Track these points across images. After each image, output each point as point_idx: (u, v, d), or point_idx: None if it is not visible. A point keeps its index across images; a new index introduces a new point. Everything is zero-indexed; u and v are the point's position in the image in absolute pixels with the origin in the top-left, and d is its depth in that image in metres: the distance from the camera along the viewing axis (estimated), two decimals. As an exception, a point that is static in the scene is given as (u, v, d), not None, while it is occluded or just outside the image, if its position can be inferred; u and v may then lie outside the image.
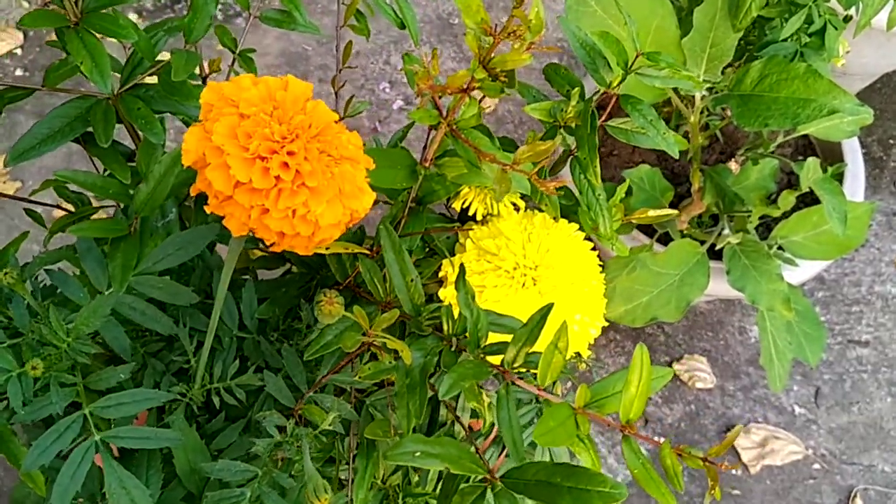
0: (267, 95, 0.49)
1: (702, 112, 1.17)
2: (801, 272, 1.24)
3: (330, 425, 0.56)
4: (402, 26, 0.86)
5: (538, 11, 0.52)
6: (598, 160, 0.66)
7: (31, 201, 0.70)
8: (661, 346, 1.61)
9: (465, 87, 0.54)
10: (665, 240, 1.24)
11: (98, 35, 0.57)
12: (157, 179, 0.56)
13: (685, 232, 1.28)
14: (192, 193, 0.48)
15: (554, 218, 0.67)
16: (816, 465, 1.52)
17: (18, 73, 1.80)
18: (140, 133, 0.61)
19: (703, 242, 1.19)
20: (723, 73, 1.06)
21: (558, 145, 0.72)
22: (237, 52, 0.75)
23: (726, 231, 1.14)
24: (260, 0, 0.76)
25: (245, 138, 0.47)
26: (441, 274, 0.65)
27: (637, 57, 0.68)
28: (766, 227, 1.29)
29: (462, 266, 0.54)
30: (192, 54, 0.59)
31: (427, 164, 0.62)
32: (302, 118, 0.49)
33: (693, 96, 1.11)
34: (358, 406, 0.65)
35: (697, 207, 1.26)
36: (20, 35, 1.83)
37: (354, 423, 0.65)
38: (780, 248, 1.20)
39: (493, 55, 0.51)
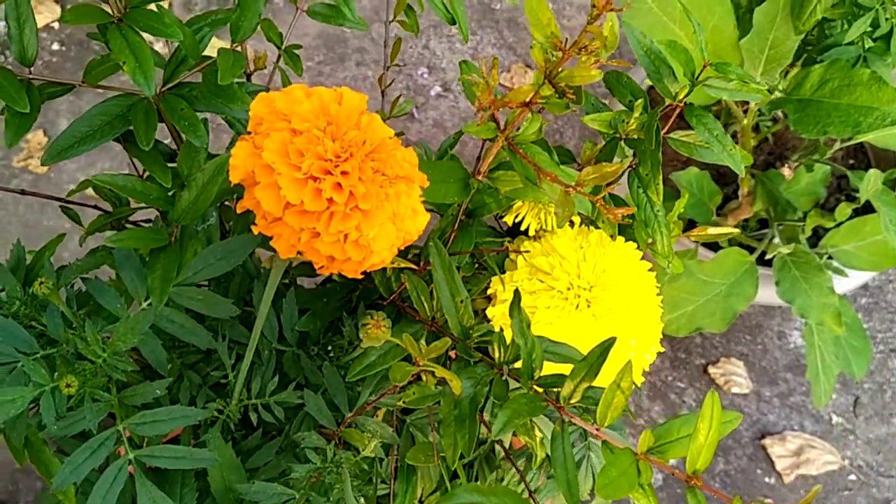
0: (320, 109, 0.46)
1: (755, 114, 1.13)
2: (848, 281, 1.20)
3: (372, 452, 0.53)
4: (453, 22, 0.83)
5: (613, 26, 0.48)
6: (660, 176, 0.62)
7: (65, 200, 0.68)
8: (698, 349, 1.57)
9: (527, 101, 0.50)
10: (712, 244, 1.20)
11: (142, 33, 0.54)
12: (200, 188, 0.54)
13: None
14: (239, 211, 0.46)
15: (611, 235, 0.64)
16: (852, 477, 1.48)
17: (55, 47, 1.78)
18: (182, 134, 0.58)
19: (751, 250, 1.15)
20: (783, 76, 1.01)
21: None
22: (283, 47, 0.72)
23: (776, 240, 1.10)
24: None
25: (297, 156, 0.44)
26: (490, 291, 0.62)
27: (704, 67, 0.64)
28: (814, 234, 1.25)
29: (517, 292, 0.51)
30: (239, 55, 0.56)
31: (480, 177, 0.59)
32: (356, 134, 0.46)
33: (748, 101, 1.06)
34: (398, 425, 0.62)
35: (745, 212, 1.22)
36: (57, 8, 1.82)
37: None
38: (829, 257, 1.16)
39: (560, 70, 0.48)
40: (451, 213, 0.60)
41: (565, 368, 0.54)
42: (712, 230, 0.70)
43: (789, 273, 1.06)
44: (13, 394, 0.50)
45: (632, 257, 0.65)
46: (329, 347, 0.61)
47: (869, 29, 1.01)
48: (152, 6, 0.55)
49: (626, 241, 0.68)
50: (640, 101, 0.63)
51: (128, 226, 0.67)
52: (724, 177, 1.40)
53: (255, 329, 0.54)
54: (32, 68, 0.59)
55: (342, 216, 0.44)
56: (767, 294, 1.14)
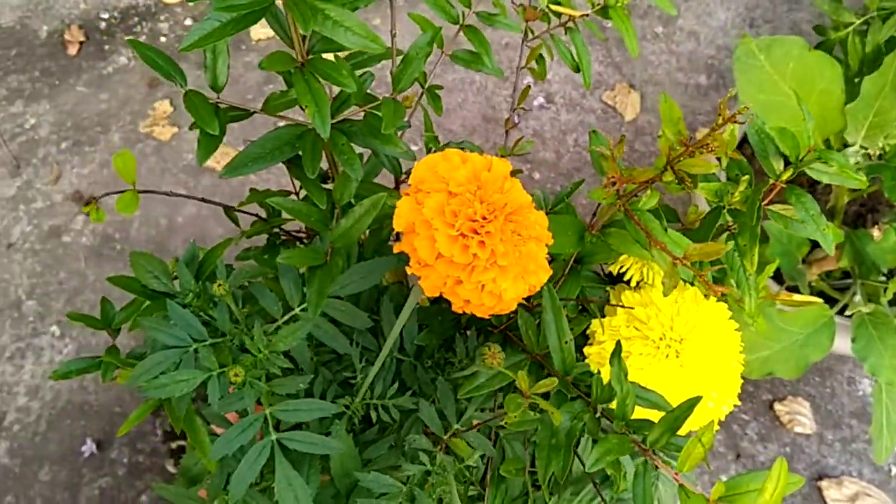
0: (473, 176, 0.54)
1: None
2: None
3: (474, 461, 0.62)
4: (577, 70, 0.90)
5: (733, 130, 0.55)
6: (757, 248, 0.69)
7: (234, 209, 0.78)
8: (766, 384, 1.61)
9: (649, 182, 0.57)
10: (793, 286, 1.24)
11: (322, 80, 0.63)
12: (356, 219, 0.63)
13: (814, 284, 1.28)
14: (395, 251, 0.54)
15: (705, 295, 0.71)
16: (905, 529, 1.51)
17: (188, 21, 1.91)
18: (339, 164, 0.67)
19: (831, 301, 1.19)
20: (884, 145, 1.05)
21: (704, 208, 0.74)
22: (426, 86, 0.80)
23: (858, 298, 1.14)
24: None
25: (452, 216, 0.52)
26: (589, 331, 0.70)
27: (809, 152, 0.70)
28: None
29: (619, 344, 0.58)
30: (399, 105, 0.65)
31: (594, 231, 0.67)
32: (500, 197, 0.54)
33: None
34: (493, 437, 0.70)
35: (830, 264, 1.26)
36: None
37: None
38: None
39: (681, 158, 0.55)
40: (564, 258, 0.67)
41: (650, 413, 0.62)
42: (798, 297, 0.76)
43: (866, 331, 1.10)
44: (187, 374, 0.60)
45: (721, 316, 0.71)
46: (442, 362, 0.70)
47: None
48: (330, 56, 0.64)
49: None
50: (745, 176, 0.69)
51: (280, 234, 0.76)
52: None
53: (386, 342, 0.63)
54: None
55: (483, 269, 0.52)
56: (842, 344, 1.18)
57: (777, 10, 1.91)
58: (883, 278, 1.36)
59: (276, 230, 0.77)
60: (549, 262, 0.70)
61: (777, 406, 1.60)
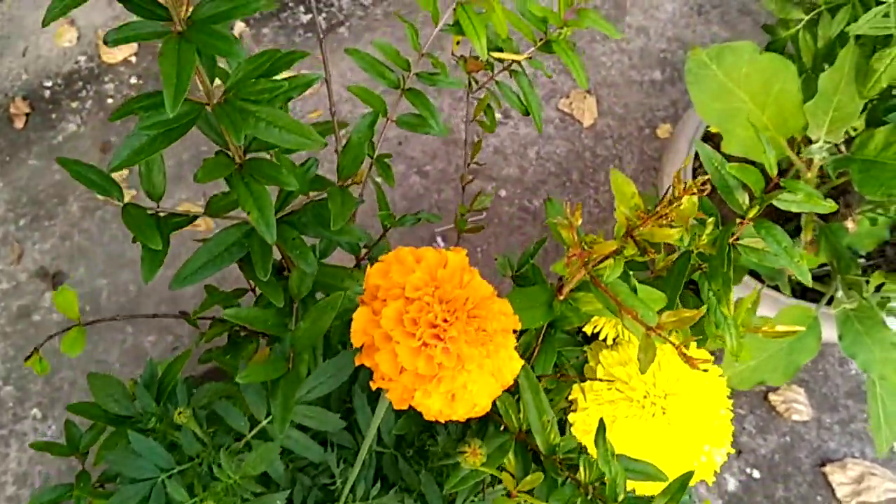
0: (429, 276, 0.51)
1: (818, 169, 1.15)
2: (911, 322, 1.21)
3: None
4: (527, 113, 0.88)
5: (692, 199, 0.52)
6: (731, 292, 0.67)
7: (192, 317, 0.75)
8: (759, 377, 1.60)
9: (610, 254, 0.55)
10: (776, 288, 1.23)
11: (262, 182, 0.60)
12: (313, 320, 0.60)
13: (792, 279, 1.27)
14: (356, 364, 0.52)
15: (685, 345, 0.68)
16: (914, 505, 1.50)
17: (133, 80, 1.87)
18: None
19: (818, 295, 1.18)
20: (849, 139, 1.04)
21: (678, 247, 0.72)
22: (374, 156, 0.77)
23: (840, 293, 1.12)
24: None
25: (412, 325, 0.50)
26: (571, 397, 0.68)
27: (773, 186, 0.68)
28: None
29: (602, 422, 0.56)
30: (347, 196, 0.62)
31: (563, 297, 0.64)
32: (460, 293, 0.52)
33: (812, 158, 1.09)
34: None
35: (807, 257, 1.24)
36: (134, 44, 1.90)
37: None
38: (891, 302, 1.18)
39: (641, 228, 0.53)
40: (536, 328, 0.65)
41: (644, 485, 0.60)
42: (781, 327, 0.74)
43: (852, 327, 1.09)
44: (158, 510, 0.58)
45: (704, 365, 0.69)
46: (424, 448, 0.67)
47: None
48: (265, 155, 0.61)
49: (697, 336, 0.72)
50: (711, 219, 0.67)
51: (240, 330, 0.74)
52: (784, 213, 1.42)
53: (364, 441, 0.60)
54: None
55: (451, 378, 0.50)
56: (831, 334, 1.16)
57: (724, -6, 1.89)
58: (861, 271, 1.35)
59: (236, 328, 0.74)
60: (521, 334, 0.68)
61: (772, 396, 1.59)
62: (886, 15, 0.93)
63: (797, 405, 1.60)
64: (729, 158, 1.39)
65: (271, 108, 0.57)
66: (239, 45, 0.53)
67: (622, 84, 1.82)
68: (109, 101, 1.82)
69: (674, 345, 0.53)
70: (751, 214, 0.67)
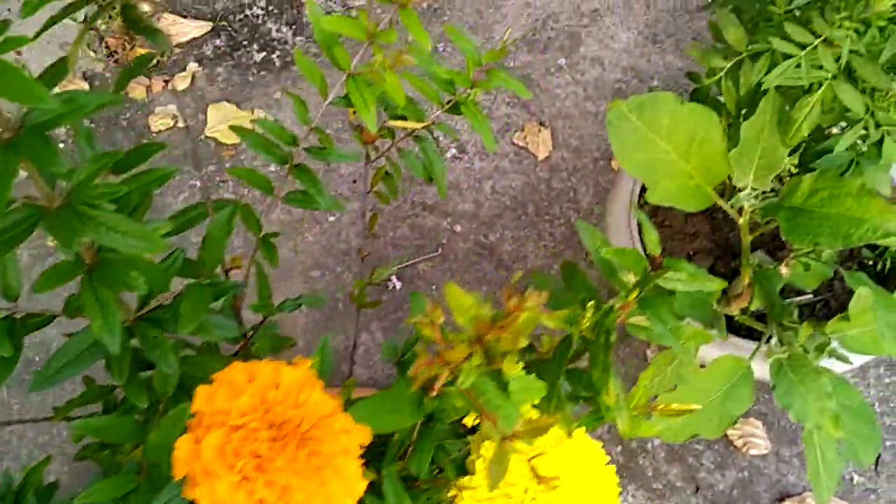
0: (258, 400, 0.49)
1: (749, 215, 1.13)
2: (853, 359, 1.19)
3: None
4: (431, 180, 0.86)
5: (530, 315, 0.50)
6: (612, 379, 0.64)
7: (48, 419, 0.72)
8: (715, 414, 1.57)
9: (458, 364, 0.53)
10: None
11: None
12: (164, 433, 0.58)
13: (737, 320, 1.25)
14: (183, 495, 0.50)
15: (567, 433, 0.66)
16: (874, 539, 1.48)
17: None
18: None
19: (758, 336, 1.16)
20: (780, 183, 1.01)
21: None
22: (260, 234, 0.75)
23: (774, 341, 1.10)
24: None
25: (234, 456, 0.47)
26: (450, 494, 0.65)
27: (659, 265, 0.66)
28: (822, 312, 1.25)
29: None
30: (204, 293, 0.60)
31: (434, 394, 0.62)
32: (294, 414, 0.50)
33: (742, 206, 1.06)
34: None
35: (745, 300, 1.22)
36: (84, 85, 1.88)
37: None
38: (831, 343, 1.15)
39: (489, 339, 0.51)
40: (410, 426, 0.63)
41: None
42: (676, 405, 0.71)
43: (785, 377, 1.06)
44: None
45: (590, 451, 0.67)
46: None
47: (863, 132, 1.00)
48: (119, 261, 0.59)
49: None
50: (591, 302, 0.65)
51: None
52: (732, 247, 1.40)
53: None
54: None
55: (275, 512, 0.48)
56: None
57: (678, 22, 1.87)
58: (811, 307, 1.32)
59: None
60: (392, 435, 0.66)
61: (729, 431, 1.56)
62: (799, 66, 0.91)
63: (755, 439, 1.57)
64: (656, 208, 1.36)
65: (111, 213, 0.55)
66: (61, 156, 0.51)
67: (577, 116, 1.80)
68: None
69: (524, 456, 0.51)
70: (632, 297, 0.65)
